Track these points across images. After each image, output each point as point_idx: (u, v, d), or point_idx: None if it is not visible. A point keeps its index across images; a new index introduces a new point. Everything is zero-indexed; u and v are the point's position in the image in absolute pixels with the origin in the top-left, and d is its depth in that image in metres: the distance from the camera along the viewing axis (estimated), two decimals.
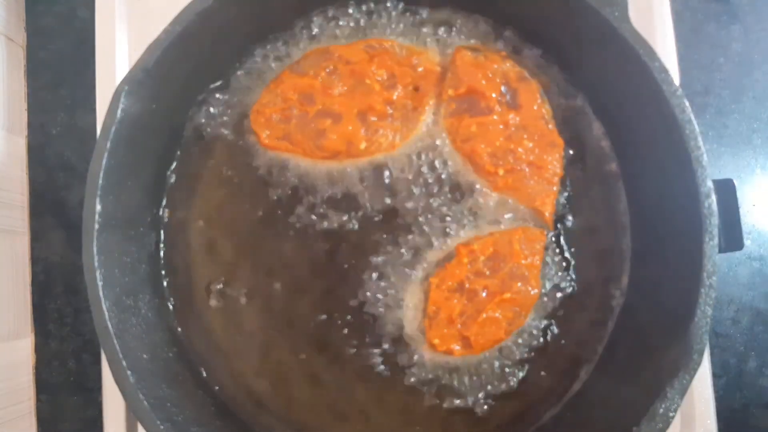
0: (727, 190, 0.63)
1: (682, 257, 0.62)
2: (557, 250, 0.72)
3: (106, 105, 0.61)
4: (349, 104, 0.72)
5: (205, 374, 0.72)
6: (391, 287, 0.71)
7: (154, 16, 0.80)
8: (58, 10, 0.87)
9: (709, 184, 0.59)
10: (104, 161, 0.61)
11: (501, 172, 0.71)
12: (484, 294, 0.69)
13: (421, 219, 0.72)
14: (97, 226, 0.61)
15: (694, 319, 0.58)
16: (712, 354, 0.79)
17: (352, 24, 0.74)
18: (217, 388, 0.72)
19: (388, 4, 0.74)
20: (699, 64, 0.85)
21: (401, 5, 0.74)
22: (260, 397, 0.71)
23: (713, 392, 0.76)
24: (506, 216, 0.71)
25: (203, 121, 0.74)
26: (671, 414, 0.57)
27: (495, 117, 0.71)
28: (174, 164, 0.73)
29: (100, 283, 0.60)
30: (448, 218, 0.71)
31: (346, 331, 0.71)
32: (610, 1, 0.62)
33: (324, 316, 0.71)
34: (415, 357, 0.70)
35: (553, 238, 0.72)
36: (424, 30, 0.74)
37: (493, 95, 0.72)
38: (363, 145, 0.72)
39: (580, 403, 0.70)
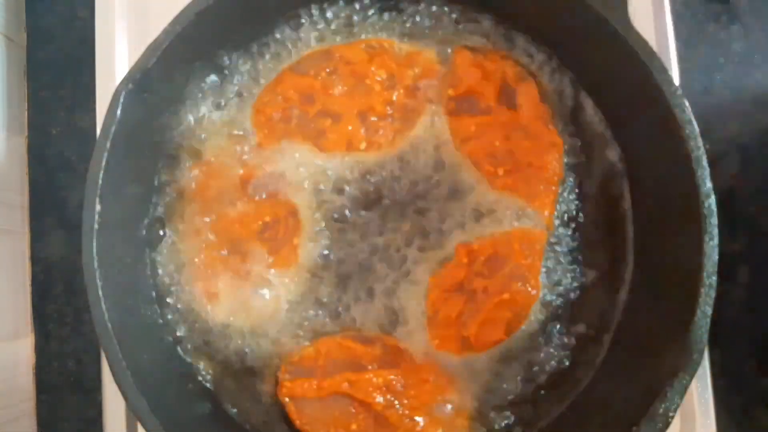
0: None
1: (682, 257, 0.62)
2: (557, 251, 0.72)
3: (106, 105, 0.61)
4: (349, 104, 0.72)
5: (205, 375, 0.72)
6: (391, 287, 0.71)
7: (154, 16, 0.80)
8: (58, 10, 0.87)
9: (709, 184, 0.59)
10: (104, 161, 0.61)
11: (500, 172, 0.71)
12: (484, 294, 0.69)
13: (420, 219, 0.71)
14: (97, 226, 0.61)
15: (694, 319, 0.58)
16: (712, 354, 0.79)
17: (351, 23, 0.74)
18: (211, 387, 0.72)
19: (390, 2, 0.74)
20: (699, 64, 0.85)
21: (402, 3, 0.74)
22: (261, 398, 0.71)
23: (713, 392, 0.76)
24: (506, 216, 0.71)
25: (203, 120, 0.74)
26: (671, 414, 0.57)
27: (495, 117, 0.71)
28: (174, 163, 0.73)
29: (100, 283, 0.60)
30: (448, 218, 0.71)
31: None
32: (610, 1, 0.62)
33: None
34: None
35: (553, 239, 0.72)
36: (424, 29, 0.74)
37: (493, 95, 0.72)
38: (363, 145, 0.72)
39: (580, 403, 0.70)
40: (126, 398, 0.60)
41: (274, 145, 0.73)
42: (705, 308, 0.58)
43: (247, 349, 0.71)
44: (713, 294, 0.59)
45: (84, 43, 0.82)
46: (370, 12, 0.75)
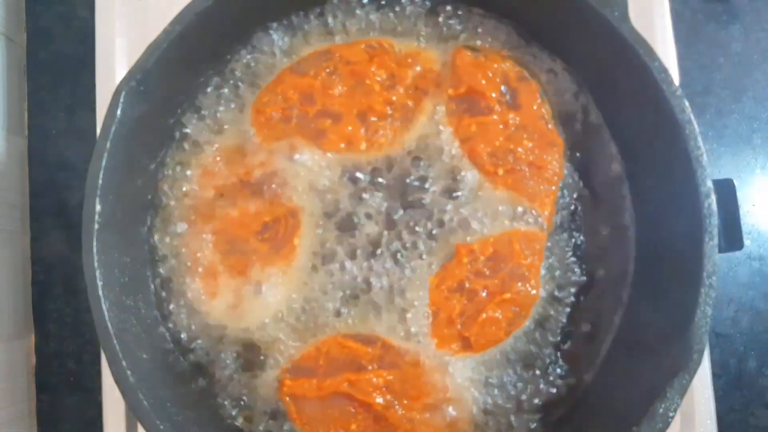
0: (727, 190, 0.63)
1: (682, 257, 0.62)
2: (557, 250, 0.72)
3: (106, 105, 0.61)
4: (349, 104, 0.72)
5: (205, 374, 0.72)
6: (391, 287, 0.71)
7: (154, 17, 0.80)
8: (58, 10, 0.87)
9: (709, 184, 0.59)
10: (104, 161, 0.61)
11: (501, 171, 0.71)
12: (484, 294, 0.69)
13: (420, 219, 0.71)
14: (97, 226, 0.61)
15: (694, 319, 0.58)
16: (712, 354, 0.79)
17: (351, 23, 0.74)
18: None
19: (390, 2, 0.74)
20: (699, 64, 0.85)
21: (401, 3, 0.74)
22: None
23: (713, 392, 0.76)
24: (506, 216, 0.71)
25: (203, 119, 0.74)
26: (671, 414, 0.57)
27: (495, 117, 0.71)
28: (174, 163, 0.73)
29: (100, 283, 0.60)
30: (448, 218, 0.71)
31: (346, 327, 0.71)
32: (610, 1, 0.62)
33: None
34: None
35: (553, 238, 0.72)
36: (424, 29, 0.74)
37: (493, 95, 0.72)
38: (363, 146, 0.72)
39: (581, 403, 0.70)
40: (126, 398, 0.60)
41: (274, 145, 0.73)
42: (705, 308, 0.58)
43: (246, 349, 0.71)
44: (713, 294, 0.59)
45: (84, 43, 0.82)
46: (372, 12, 0.75)
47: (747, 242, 0.82)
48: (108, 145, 0.61)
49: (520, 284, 0.69)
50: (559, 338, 0.71)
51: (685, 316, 0.59)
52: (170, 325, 0.72)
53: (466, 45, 0.74)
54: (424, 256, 0.71)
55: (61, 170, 0.84)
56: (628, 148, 0.72)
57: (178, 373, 0.70)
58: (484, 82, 0.71)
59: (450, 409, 0.69)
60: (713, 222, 0.59)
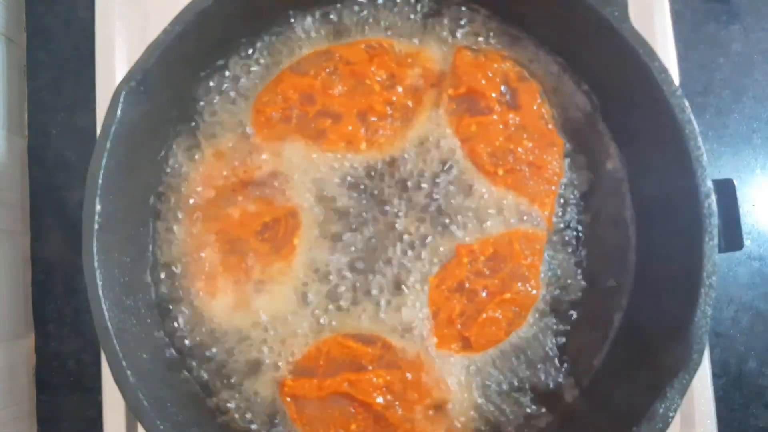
0: (727, 190, 0.63)
1: (682, 257, 0.62)
2: (557, 250, 0.72)
3: (106, 105, 0.61)
4: (349, 104, 0.72)
5: (205, 375, 0.72)
6: (391, 287, 0.71)
7: (154, 16, 0.80)
8: (58, 10, 0.87)
9: (709, 184, 0.59)
10: (104, 161, 0.61)
11: (501, 172, 0.71)
12: (484, 294, 0.69)
13: (420, 219, 0.71)
14: (97, 226, 0.61)
15: (694, 319, 0.58)
16: (712, 354, 0.79)
17: (351, 23, 0.74)
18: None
19: (390, 1, 0.74)
20: (699, 64, 0.85)
21: (401, 2, 0.75)
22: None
23: (713, 392, 0.76)
24: (506, 216, 0.71)
25: (203, 119, 0.74)
26: (671, 414, 0.57)
27: (495, 117, 0.72)
28: (174, 163, 0.73)
29: (100, 283, 0.60)
30: (448, 218, 0.71)
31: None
32: (610, 1, 0.62)
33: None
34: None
35: (553, 238, 0.72)
36: (424, 29, 0.74)
37: (493, 95, 0.72)
38: (363, 146, 0.72)
39: (581, 403, 0.70)
40: (126, 398, 0.60)
41: (274, 146, 0.73)
42: (705, 308, 0.59)
43: (247, 350, 0.71)
44: (713, 294, 0.59)
45: (84, 43, 0.82)
46: (372, 12, 0.75)
47: (747, 242, 0.82)
48: (108, 145, 0.61)
49: (520, 284, 0.69)
50: (559, 338, 0.71)
51: (685, 316, 0.59)
52: (170, 324, 0.72)
53: (466, 45, 0.74)
54: (424, 256, 0.71)
55: (61, 170, 0.84)
56: (628, 148, 0.72)
57: (178, 373, 0.70)
58: (484, 82, 0.71)
59: (450, 408, 0.69)
60: (713, 222, 0.59)
